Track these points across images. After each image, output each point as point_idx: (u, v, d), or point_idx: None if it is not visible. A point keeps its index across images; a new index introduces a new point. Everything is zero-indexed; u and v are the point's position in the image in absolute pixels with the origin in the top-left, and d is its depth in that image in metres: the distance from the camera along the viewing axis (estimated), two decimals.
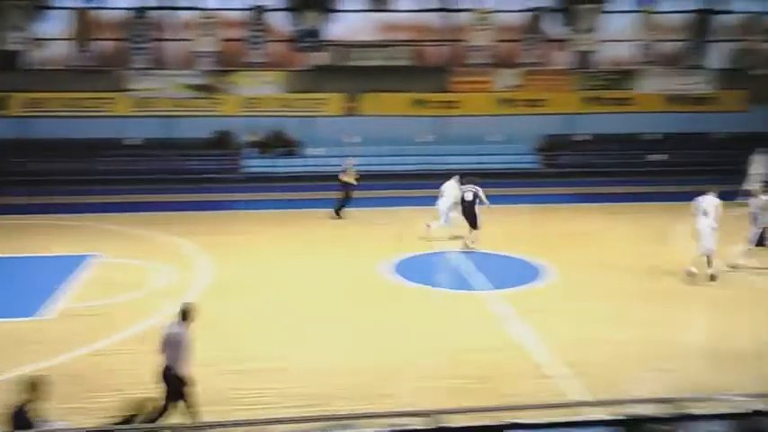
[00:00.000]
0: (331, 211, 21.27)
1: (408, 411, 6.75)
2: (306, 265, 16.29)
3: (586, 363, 10.91)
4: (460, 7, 27.64)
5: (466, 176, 18.45)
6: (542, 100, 27.81)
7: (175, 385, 8.57)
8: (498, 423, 6.55)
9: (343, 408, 9.18)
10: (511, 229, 19.62)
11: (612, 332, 12.18)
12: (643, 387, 10.16)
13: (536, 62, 27.97)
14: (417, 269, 16.04)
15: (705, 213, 15.27)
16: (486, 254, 17.28)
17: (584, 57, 28.09)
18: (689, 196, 23.94)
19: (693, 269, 14.95)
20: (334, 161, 26.55)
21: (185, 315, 8.79)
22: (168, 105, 27.30)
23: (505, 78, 27.90)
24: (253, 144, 27.48)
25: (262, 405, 9.33)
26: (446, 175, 22.03)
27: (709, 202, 15.39)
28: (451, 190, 18.28)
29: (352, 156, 22.74)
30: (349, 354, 11.27)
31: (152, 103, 27.26)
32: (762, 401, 7.19)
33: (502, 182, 24.79)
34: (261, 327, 12.40)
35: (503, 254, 17.30)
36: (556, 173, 26.51)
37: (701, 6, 28.50)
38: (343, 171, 21.64)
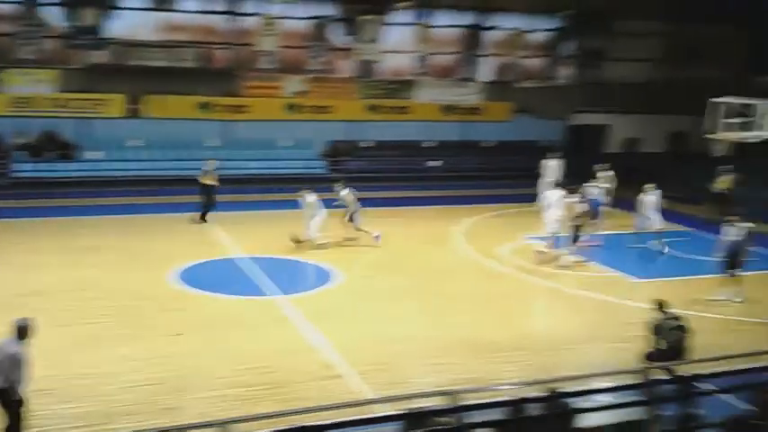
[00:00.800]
0: (195, 215, 20.78)
1: (196, 423, 6.71)
2: (84, 278, 15.39)
3: (373, 361, 11.52)
4: (246, 11, 27.58)
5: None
6: (328, 107, 28.50)
7: (14, 407, 8.01)
8: (289, 427, 6.80)
9: (128, 425, 8.97)
10: (300, 233, 20.01)
11: (396, 330, 12.92)
12: (425, 381, 10.91)
13: (322, 69, 28.57)
14: (204, 276, 15.88)
15: (551, 206, 17.82)
16: (275, 259, 17.53)
17: (367, 66, 29.15)
18: (463, 200, 25.91)
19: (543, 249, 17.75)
20: (116, 165, 25.57)
21: (22, 333, 8.20)
22: None
23: (293, 84, 28.26)
24: (22, 147, 25.59)
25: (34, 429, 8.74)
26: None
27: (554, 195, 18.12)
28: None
29: (213, 158, 22.15)
30: (131, 368, 10.94)
31: None
32: (527, 389, 8.09)
33: (291, 187, 25.08)
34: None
35: (292, 258, 17.61)
36: (342, 178, 27.26)
37: (472, 22, 30.63)
38: (204, 173, 21.04)
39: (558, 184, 19.51)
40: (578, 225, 17.94)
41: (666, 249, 19.17)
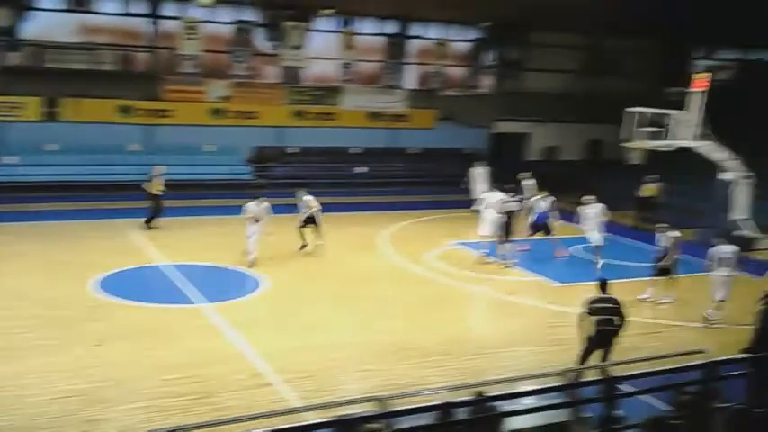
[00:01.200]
0: (141, 221, 20.43)
1: None
2: (2, 287, 14.84)
3: (301, 369, 11.47)
4: (168, 14, 27.10)
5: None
6: (254, 112, 28.23)
7: None
8: None
9: None
10: (225, 240, 19.75)
11: (324, 338, 12.92)
12: (353, 388, 10.95)
13: (246, 75, 28.32)
14: (126, 284, 15.50)
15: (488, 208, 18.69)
16: (200, 266, 17.26)
17: (292, 72, 29.04)
18: (389, 206, 26.07)
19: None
20: (33, 170, 24.68)
21: None
22: None
23: (217, 89, 27.90)
24: None
25: None
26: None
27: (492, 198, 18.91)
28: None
29: (161, 164, 21.67)
30: (52, 379, 10.62)
31: None
32: (455, 393, 8.20)
33: (216, 193, 24.90)
34: None
35: (218, 266, 17.38)
36: (268, 184, 27.09)
37: (397, 31, 30.93)
38: (149, 180, 20.68)
39: (504, 189, 19.72)
40: (510, 227, 18.31)
41: (600, 265, 18.40)
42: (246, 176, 27.38)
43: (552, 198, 19.69)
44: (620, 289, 16.29)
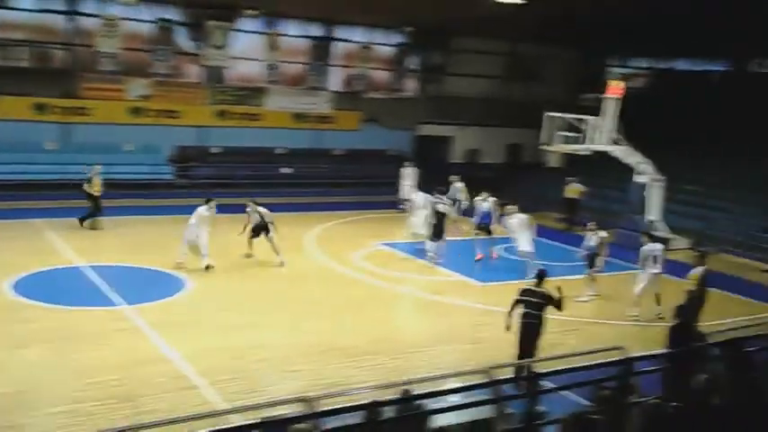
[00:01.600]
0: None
1: None
2: None
3: (227, 370, 11.37)
4: (85, 11, 26.33)
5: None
6: (176, 111, 27.72)
7: None
8: None
9: None
10: (147, 240, 19.40)
11: (249, 338, 12.83)
12: (280, 389, 10.91)
13: (168, 73, 27.77)
14: (43, 286, 15.03)
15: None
16: (121, 267, 16.87)
17: (216, 72, 28.66)
18: (315, 207, 26.05)
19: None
20: None
21: None
22: None
23: (137, 87, 27.28)
24: None
25: None
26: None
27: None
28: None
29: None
30: None
31: None
32: (382, 392, 8.29)
33: (137, 193, 24.35)
34: None
35: (140, 267, 17.02)
36: (190, 184, 26.68)
37: (322, 33, 30.92)
38: (88, 180, 20.20)
39: (437, 190, 19.84)
40: (441, 227, 18.56)
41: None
42: (168, 176, 26.89)
43: (494, 199, 19.95)
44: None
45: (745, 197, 25.07)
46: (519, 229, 18.50)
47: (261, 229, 18.10)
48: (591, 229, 16.84)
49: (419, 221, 18.98)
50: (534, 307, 11.47)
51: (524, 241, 18.43)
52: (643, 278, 15.38)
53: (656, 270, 15.28)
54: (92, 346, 12.09)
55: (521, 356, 11.40)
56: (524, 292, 11.68)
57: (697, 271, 14.25)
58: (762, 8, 22.74)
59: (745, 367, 7.99)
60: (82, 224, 20.26)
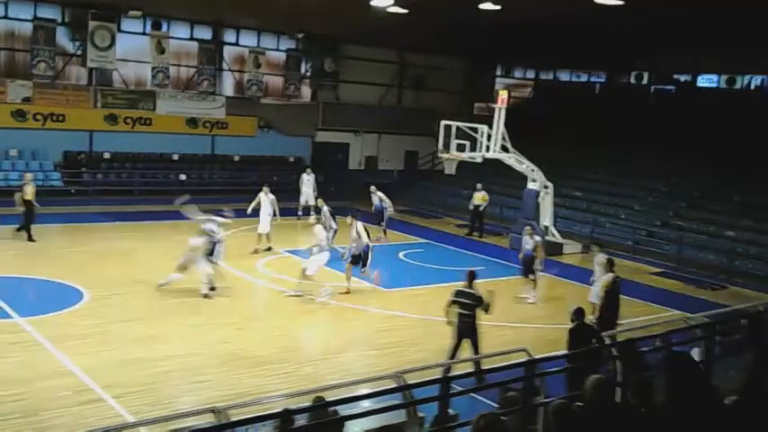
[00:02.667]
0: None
1: None
2: None
3: (131, 383, 11.07)
4: None
5: None
6: (61, 115, 26.60)
7: None
8: None
9: None
10: (37, 250, 18.59)
11: (153, 350, 12.51)
12: (189, 400, 10.74)
13: (50, 75, 26.54)
14: None
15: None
16: (12, 278, 16.08)
17: (102, 74, 27.73)
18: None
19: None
20: None
21: None
22: None
23: (17, 90, 26.00)
24: None
25: None
26: None
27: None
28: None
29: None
30: None
31: None
32: (291, 401, 8.31)
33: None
34: None
35: (31, 277, 16.29)
36: (79, 191, 25.73)
37: (212, 36, 30.47)
38: (21, 189, 19.44)
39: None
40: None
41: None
42: (56, 182, 25.80)
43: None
44: (437, 293, 17.34)
45: (630, 202, 26.52)
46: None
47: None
48: (527, 233, 17.76)
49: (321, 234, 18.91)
50: (466, 308, 11.86)
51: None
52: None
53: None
54: None
55: (453, 355, 11.79)
56: (459, 293, 12.07)
57: (607, 277, 14.65)
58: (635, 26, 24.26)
59: (639, 367, 8.50)
60: (23, 233, 19.48)
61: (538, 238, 17.70)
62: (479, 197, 25.14)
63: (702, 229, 23.76)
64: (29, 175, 20.31)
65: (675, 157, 27.61)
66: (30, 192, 19.65)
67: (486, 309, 11.95)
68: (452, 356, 11.78)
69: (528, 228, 18.23)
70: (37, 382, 10.80)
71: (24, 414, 9.76)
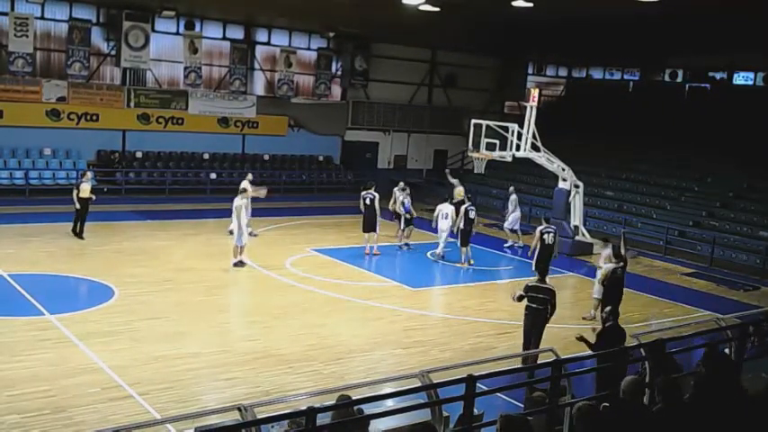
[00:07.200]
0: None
1: None
2: None
3: (158, 380, 11.16)
4: None
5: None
6: (95, 114, 26.95)
7: None
8: None
9: None
10: (71, 248, 18.84)
11: (180, 348, 12.60)
12: (215, 397, 10.80)
13: (85, 75, 26.90)
14: None
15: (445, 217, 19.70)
16: (46, 276, 16.32)
17: (136, 74, 28.03)
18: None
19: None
20: None
21: None
22: None
23: (53, 89, 26.39)
24: None
25: None
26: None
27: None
28: None
29: None
30: None
31: None
32: (319, 398, 8.31)
33: (57, 199, 23.46)
34: None
35: (64, 275, 16.50)
36: (112, 189, 26.03)
37: (243, 36, 30.62)
38: (76, 186, 19.76)
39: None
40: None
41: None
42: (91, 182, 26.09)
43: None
44: (462, 292, 17.26)
45: (663, 202, 26.13)
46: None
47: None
48: (548, 231, 18.26)
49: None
50: (539, 302, 12.16)
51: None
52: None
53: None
54: (15, 356, 11.65)
55: (525, 347, 12.13)
56: (531, 289, 12.29)
57: (607, 267, 14.79)
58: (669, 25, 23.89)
59: (668, 368, 8.35)
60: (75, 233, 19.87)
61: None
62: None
63: (736, 230, 23.37)
64: (88, 174, 20.72)
65: (709, 156, 27.18)
66: (86, 189, 19.89)
67: (554, 307, 12.25)
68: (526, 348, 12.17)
69: (551, 226, 18.43)
70: (65, 379, 10.93)
71: (53, 410, 9.88)
